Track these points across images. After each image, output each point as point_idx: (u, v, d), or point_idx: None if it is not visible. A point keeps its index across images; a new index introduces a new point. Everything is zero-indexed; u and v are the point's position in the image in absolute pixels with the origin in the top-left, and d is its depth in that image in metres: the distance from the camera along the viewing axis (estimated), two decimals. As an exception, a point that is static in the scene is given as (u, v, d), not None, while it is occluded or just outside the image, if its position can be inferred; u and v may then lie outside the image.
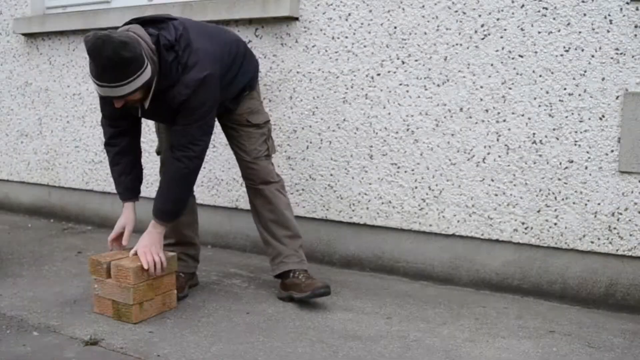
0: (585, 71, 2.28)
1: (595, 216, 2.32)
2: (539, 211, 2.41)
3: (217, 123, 2.54)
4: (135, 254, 2.15)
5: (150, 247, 2.15)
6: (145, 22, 2.08)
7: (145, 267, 2.10)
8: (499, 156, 2.45)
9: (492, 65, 2.43)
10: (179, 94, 2.05)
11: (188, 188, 2.22)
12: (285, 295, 2.35)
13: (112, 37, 1.85)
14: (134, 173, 2.33)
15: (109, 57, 1.84)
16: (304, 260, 2.40)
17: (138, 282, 2.08)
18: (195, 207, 2.52)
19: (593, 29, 2.25)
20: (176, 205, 2.22)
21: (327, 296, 2.28)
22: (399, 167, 2.65)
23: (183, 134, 2.12)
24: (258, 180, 2.36)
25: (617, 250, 2.30)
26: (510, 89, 2.41)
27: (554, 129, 2.35)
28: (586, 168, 2.31)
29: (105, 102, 2.15)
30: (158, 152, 2.50)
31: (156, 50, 2.00)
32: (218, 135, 3.07)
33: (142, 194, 3.39)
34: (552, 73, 2.33)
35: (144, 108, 2.09)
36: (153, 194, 3.33)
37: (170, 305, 2.23)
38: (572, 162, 2.33)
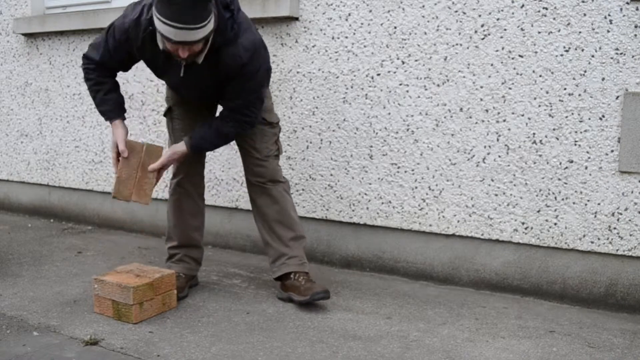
0: (585, 71, 2.28)
1: (595, 216, 2.32)
2: (539, 211, 2.41)
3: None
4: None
5: (171, 158, 2.20)
6: None
7: (158, 166, 2.17)
8: (499, 156, 2.45)
9: (492, 65, 2.43)
10: (239, 57, 2.03)
11: (225, 142, 2.26)
12: (285, 296, 2.35)
13: None
14: (118, 92, 2.26)
15: None
16: (305, 262, 2.39)
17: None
18: (204, 211, 2.51)
19: (593, 29, 2.25)
20: (209, 147, 2.26)
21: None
22: (399, 167, 2.65)
23: (235, 107, 2.14)
24: (267, 179, 2.35)
25: (617, 250, 2.30)
26: (510, 89, 2.41)
27: (554, 129, 2.35)
28: (586, 168, 2.31)
29: (114, 51, 2.13)
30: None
31: (214, 3, 1.97)
32: (218, 135, 3.07)
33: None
34: (552, 73, 2.33)
35: (187, 69, 2.05)
36: (154, 194, 3.33)
37: (170, 305, 2.23)
38: (572, 162, 2.34)
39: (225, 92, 2.15)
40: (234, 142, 2.43)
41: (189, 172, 2.41)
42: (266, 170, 2.34)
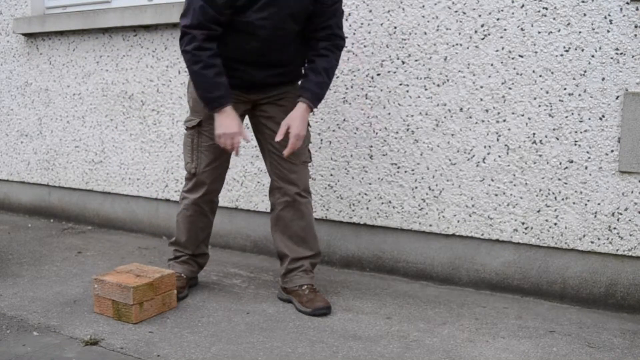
0: (585, 71, 2.28)
1: (595, 216, 2.32)
2: (539, 211, 2.41)
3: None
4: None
5: (299, 122, 2.13)
6: None
7: (304, 133, 2.13)
8: (499, 156, 2.45)
9: (492, 65, 2.43)
10: None
11: (333, 78, 2.24)
12: (286, 298, 2.35)
13: None
14: (225, 74, 2.10)
15: None
16: (313, 275, 2.38)
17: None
18: (213, 220, 2.47)
19: (593, 29, 2.25)
20: (325, 90, 2.21)
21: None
22: (399, 167, 2.65)
23: (325, 27, 2.14)
24: (301, 188, 2.28)
25: (617, 250, 2.30)
26: (510, 89, 2.41)
27: (554, 129, 2.35)
28: (586, 168, 2.31)
29: (211, 3, 2.00)
30: (193, 174, 2.30)
31: None
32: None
33: (144, 193, 3.41)
34: (552, 73, 2.33)
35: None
36: (154, 194, 3.33)
37: (170, 305, 2.23)
38: (572, 162, 2.33)
39: (315, 20, 2.14)
40: (254, 144, 2.37)
41: (210, 189, 2.33)
42: (300, 178, 2.28)
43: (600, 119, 2.27)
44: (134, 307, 2.08)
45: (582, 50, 2.28)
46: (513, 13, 2.37)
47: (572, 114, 2.31)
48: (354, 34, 2.69)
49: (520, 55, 2.38)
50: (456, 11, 2.47)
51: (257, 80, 2.21)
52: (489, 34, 2.42)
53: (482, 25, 2.43)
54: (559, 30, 2.31)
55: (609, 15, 2.22)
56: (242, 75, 2.19)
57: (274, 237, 2.38)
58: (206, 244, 2.49)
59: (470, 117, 2.49)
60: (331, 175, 2.81)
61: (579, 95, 2.30)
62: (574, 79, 2.30)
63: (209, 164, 2.27)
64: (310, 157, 2.35)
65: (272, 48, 2.15)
